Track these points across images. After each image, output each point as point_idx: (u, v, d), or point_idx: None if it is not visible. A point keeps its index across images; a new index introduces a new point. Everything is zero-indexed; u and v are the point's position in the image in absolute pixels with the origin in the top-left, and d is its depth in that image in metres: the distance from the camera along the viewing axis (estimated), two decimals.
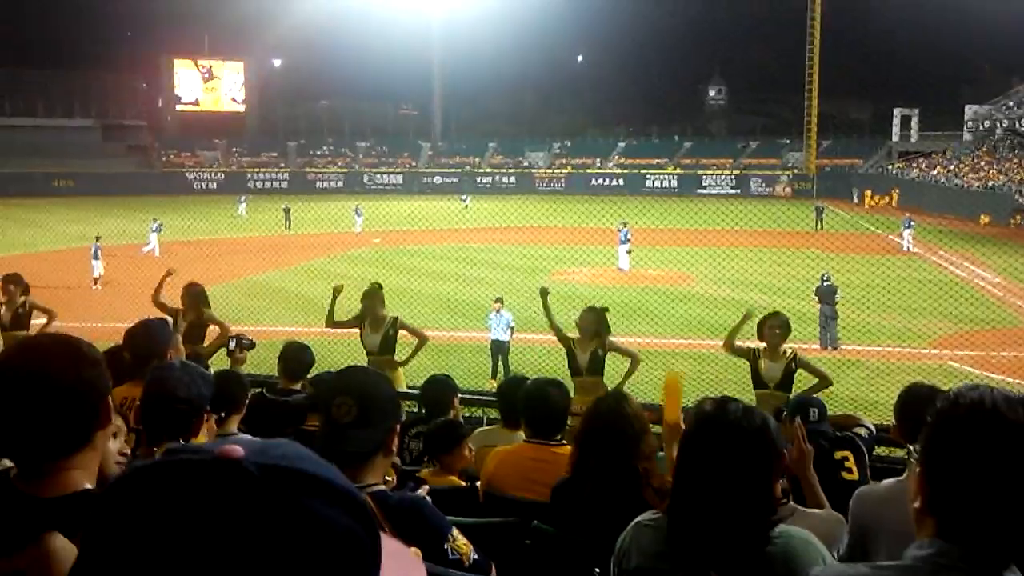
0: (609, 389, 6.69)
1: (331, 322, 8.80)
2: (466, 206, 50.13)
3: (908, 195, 55.27)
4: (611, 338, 8.21)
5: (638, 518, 2.36)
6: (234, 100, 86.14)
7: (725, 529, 2.08)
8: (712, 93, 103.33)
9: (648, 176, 72.41)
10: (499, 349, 14.94)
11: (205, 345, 7.96)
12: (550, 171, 75.95)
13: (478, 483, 4.12)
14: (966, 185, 52.33)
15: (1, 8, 75.06)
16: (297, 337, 7.37)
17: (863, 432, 4.99)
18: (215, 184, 71.17)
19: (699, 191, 66.94)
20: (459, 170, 75.68)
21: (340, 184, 72.43)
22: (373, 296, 8.54)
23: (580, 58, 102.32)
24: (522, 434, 4.43)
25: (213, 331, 8.24)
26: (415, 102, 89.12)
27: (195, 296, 8.27)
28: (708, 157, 75.71)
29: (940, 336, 18.33)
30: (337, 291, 8.71)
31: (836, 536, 3.08)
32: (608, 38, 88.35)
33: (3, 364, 1.79)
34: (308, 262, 28.83)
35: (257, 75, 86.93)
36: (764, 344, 7.64)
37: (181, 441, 2.96)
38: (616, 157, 78.47)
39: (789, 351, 7.65)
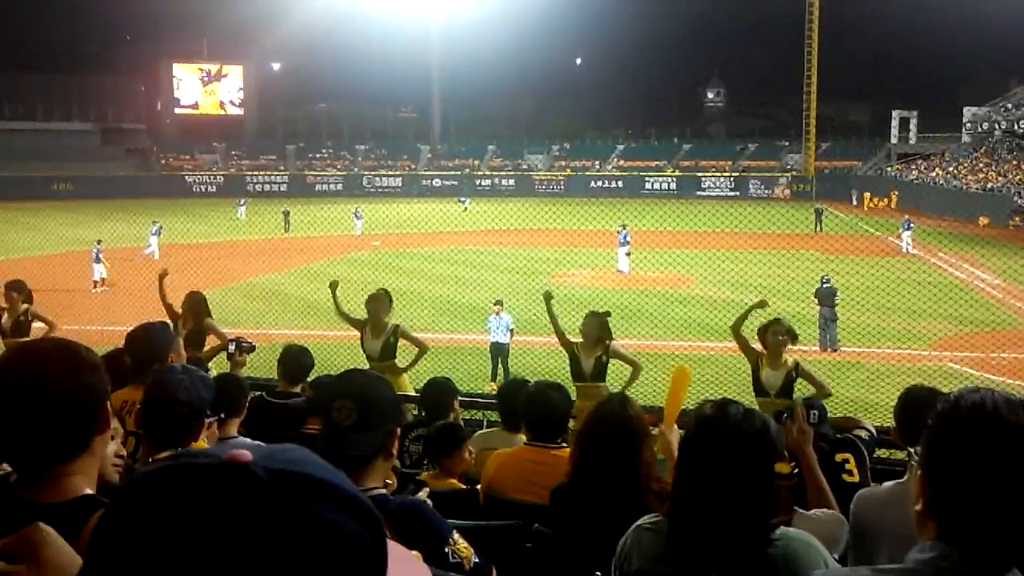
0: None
1: (339, 312, 8.93)
2: (465, 209, 50.15)
3: (907, 197, 55.30)
4: (615, 345, 8.28)
5: (639, 521, 2.36)
6: (233, 103, 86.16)
7: (726, 532, 2.08)
8: (711, 95, 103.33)
9: (647, 178, 72.48)
10: (499, 352, 14.95)
11: (205, 350, 7.96)
12: (549, 173, 76.01)
13: (478, 486, 4.12)
14: (965, 187, 52.35)
15: (0, 12, 75.10)
16: (297, 340, 7.38)
17: (863, 434, 4.98)
18: (214, 187, 71.20)
19: (698, 193, 66.95)
20: (458, 173, 75.75)
21: (339, 187, 72.45)
22: (377, 300, 8.59)
23: (579, 61, 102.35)
24: (522, 437, 4.43)
25: (213, 338, 8.25)
26: (414, 105, 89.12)
27: (196, 305, 8.27)
28: (707, 159, 75.79)
29: (939, 338, 18.33)
30: (333, 287, 8.89)
31: (837, 537, 3.08)
32: (607, 41, 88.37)
33: (2, 369, 1.78)
34: (307, 265, 28.83)
35: (256, 78, 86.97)
36: (766, 351, 7.63)
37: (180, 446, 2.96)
38: (615, 159, 78.53)
39: (791, 360, 7.65)
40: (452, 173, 75.90)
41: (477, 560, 2.52)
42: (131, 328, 4.29)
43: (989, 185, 51.24)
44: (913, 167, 62.58)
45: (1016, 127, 59.37)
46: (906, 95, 73.38)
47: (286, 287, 24.39)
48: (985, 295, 23.87)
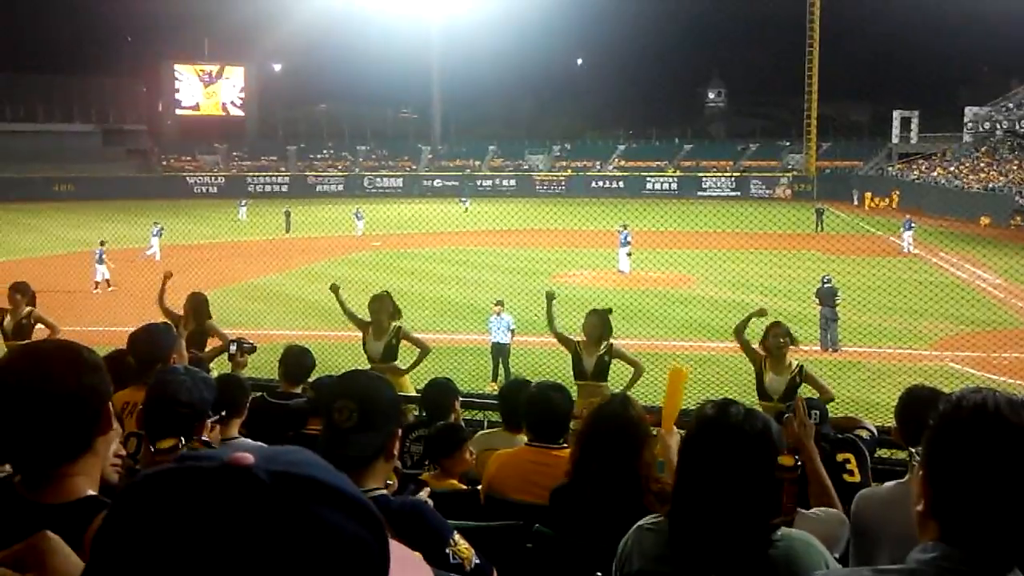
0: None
1: (346, 312, 8.96)
2: (466, 209, 50.15)
3: (908, 197, 55.27)
4: (617, 345, 8.30)
5: (640, 522, 2.36)
6: (234, 104, 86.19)
7: (727, 532, 2.08)
8: (712, 95, 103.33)
9: (648, 178, 72.43)
10: (500, 352, 14.95)
11: (206, 351, 7.96)
12: (550, 174, 76.00)
13: (479, 487, 4.12)
14: (966, 187, 52.33)
15: (0, 13, 75.13)
16: (298, 341, 7.39)
17: (864, 434, 4.98)
18: (215, 188, 71.19)
19: (699, 193, 66.95)
20: (459, 173, 75.72)
21: (340, 188, 72.45)
22: (380, 302, 8.60)
23: (580, 61, 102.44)
24: (523, 437, 4.43)
25: (214, 339, 8.25)
26: (415, 105, 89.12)
27: (198, 306, 8.28)
28: (708, 159, 75.75)
29: (941, 337, 18.32)
30: (335, 290, 8.91)
31: (838, 537, 3.07)
32: (607, 41, 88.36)
33: (4, 370, 1.79)
34: (309, 265, 28.84)
35: (257, 79, 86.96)
36: (768, 355, 7.63)
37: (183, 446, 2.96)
38: (616, 160, 78.49)
39: (795, 364, 7.64)
40: (453, 173, 75.87)
41: (478, 561, 2.52)
42: (133, 329, 4.30)
43: (990, 185, 51.21)
44: (914, 167, 62.55)
45: (1017, 126, 59.33)
46: (907, 95, 73.39)
47: (287, 288, 24.40)
48: (986, 295, 23.85)
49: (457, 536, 2.53)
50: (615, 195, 66.78)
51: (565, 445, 4.07)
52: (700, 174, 72.16)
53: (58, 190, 63.42)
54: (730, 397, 2.32)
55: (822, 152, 70.28)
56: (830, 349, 17.17)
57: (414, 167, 78.58)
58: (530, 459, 4.02)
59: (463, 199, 55.53)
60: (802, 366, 7.71)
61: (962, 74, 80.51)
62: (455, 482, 4.24)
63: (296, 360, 6.24)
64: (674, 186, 70.60)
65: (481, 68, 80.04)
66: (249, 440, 4.33)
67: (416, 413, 6.05)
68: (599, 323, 8.25)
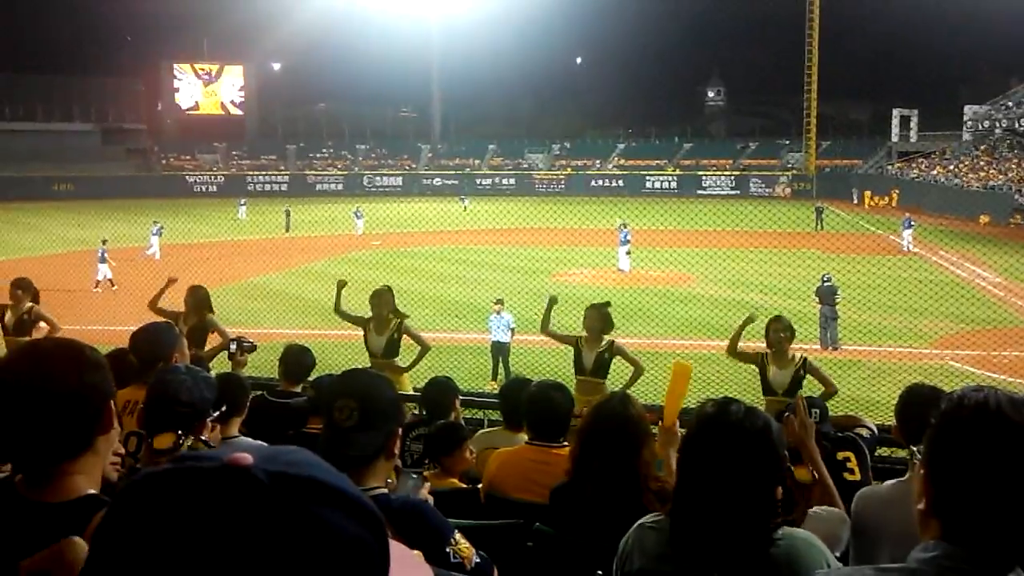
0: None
1: (338, 310, 8.91)
2: (465, 208, 50.13)
3: (908, 195, 55.25)
4: (619, 343, 8.31)
5: (641, 520, 2.36)
6: (233, 103, 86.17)
7: (728, 531, 2.08)
8: (711, 94, 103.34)
9: (648, 177, 72.46)
10: (500, 351, 14.93)
11: (206, 349, 7.95)
12: (550, 173, 76.00)
13: (479, 485, 4.11)
14: (966, 185, 52.33)
15: (0, 13, 75.08)
16: (298, 339, 7.39)
17: (865, 433, 4.98)
18: (215, 187, 71.22)
19: (699, 192, 66.95)
20: (459, 172, 75.74)
21: (340, 186, 72.52)
22: (381, 297, 8.58)
23: (579, 60, 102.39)
24: (524, 436, 4.43)
25: (215, 336, 8.24)
26: (414, 104, 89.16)
27: (199, 300, 8.23)
28: (708, 158, 75.77)
29: (941, 336, 18.32)
30: (340, 285, 8.87)
31: (839, 536, 3.07)
32: (607, 40, 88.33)
33: (5, 368, 1.79)
34: (308, 264, 28.85)
35: (256, 78, 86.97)
36: (770, 349, 7.63)
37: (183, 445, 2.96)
38: (616, 158, 78.50)
39: (798, 357, 7.63)
40: (452, 172, 75.92)
41: (478, 560, 2.52)
42: (132, 328, 4.30)
43: (990, 183, 51.21)
44: (914, 165, 62.55)
45: (1017, 125, 59.32)
46: (906, 93, 73.39)
47: (287, 287, 24.40)
48: (986, 293, 23.86)
49: (458, 535, 2.53)
50: (615, 194, 66.79)
51: (565, 444, 4.07)
52: (700, 173, 72.21)
53: (58, 189, 63.45)
54: (730, 396, 2.31)
55: (822, 151, 70.27)
56: (830, 348, 17.16)
57: (414, 166, 78.60)
58: (530, 458, 4.02)
59: (463, 198, 55.52)
60: (806, 358, 7.70)
61: (962, 73, 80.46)
62: (455, 481, 4.24)
63: (296, 359, 6.24)
64: (674, 185, 70.61)
65: (481, 67, 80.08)
66: (249, 439, 4.33)
67: (416, 411, 6.05)
68: (598, 317, 8.27)
